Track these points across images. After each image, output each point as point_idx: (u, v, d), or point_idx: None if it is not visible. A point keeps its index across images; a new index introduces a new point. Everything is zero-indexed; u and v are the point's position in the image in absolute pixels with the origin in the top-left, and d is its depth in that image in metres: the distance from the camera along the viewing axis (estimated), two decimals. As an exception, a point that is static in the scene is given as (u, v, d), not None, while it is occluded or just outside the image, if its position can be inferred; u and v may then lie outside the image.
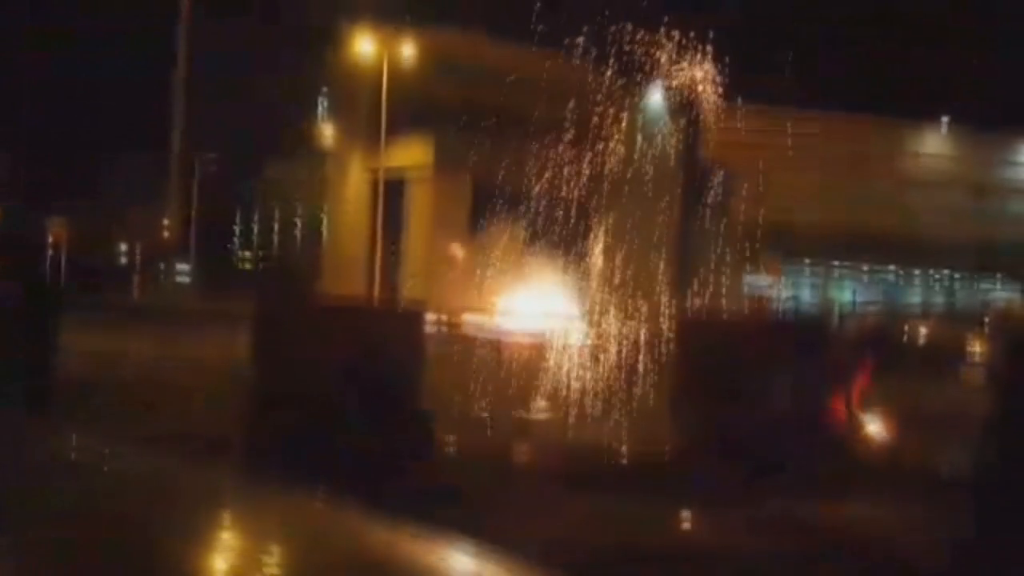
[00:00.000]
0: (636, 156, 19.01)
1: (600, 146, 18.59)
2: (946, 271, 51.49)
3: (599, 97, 18.53)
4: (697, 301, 18.44)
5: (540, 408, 15.41)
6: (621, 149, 18.66)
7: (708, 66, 19.55)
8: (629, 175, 18.71)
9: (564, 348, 16.62)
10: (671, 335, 15.05)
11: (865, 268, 50.14)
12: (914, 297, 50.98)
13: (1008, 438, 9.02)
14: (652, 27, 19.02)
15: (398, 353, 11.22)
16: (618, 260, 17.81)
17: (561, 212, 19.01)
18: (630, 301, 17.15)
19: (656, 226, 19.28)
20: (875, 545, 9.42)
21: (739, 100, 21.13)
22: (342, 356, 10.76)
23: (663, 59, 19.30)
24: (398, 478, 9.81)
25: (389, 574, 4.42)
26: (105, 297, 37.98)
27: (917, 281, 52.10)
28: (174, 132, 54.75)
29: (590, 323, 17.32)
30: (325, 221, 51.79)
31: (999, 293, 50.37)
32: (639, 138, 19.39)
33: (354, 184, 47.59)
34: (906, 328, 30.99)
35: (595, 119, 18.62)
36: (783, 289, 44.20)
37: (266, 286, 45.27)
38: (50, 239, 47.79)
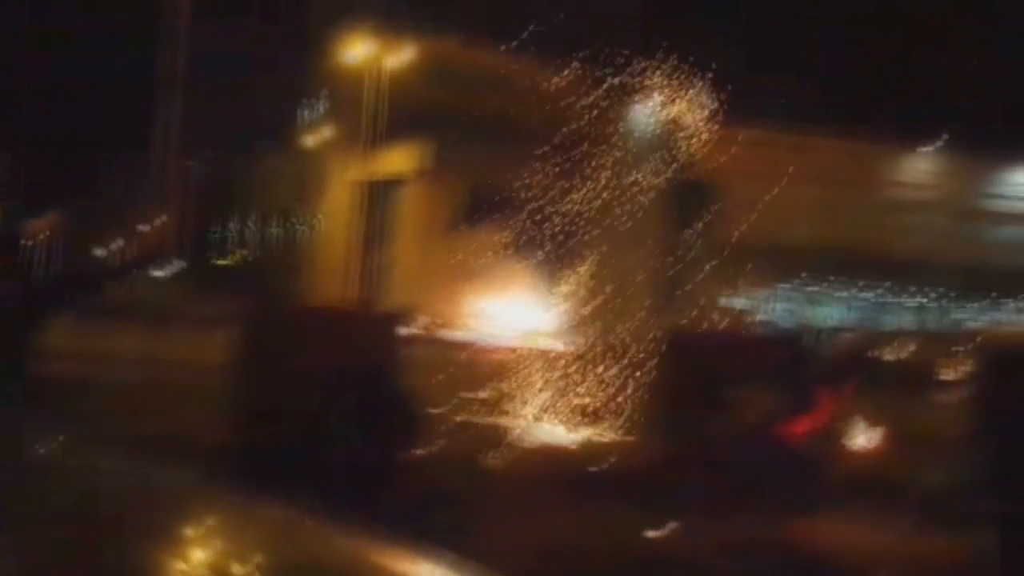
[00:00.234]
0: (622, 170, 19.11)
1: (589, 160, 18.70)
2: (933, 292, 51.64)
3: (583, 108, 18.65)
4: (677, 317, 18.57)
5: (520, 416, 15.50)
6: (608, 163, 18.78)
7: (697, 82, 19.66)
8: (616, 189, 18.81)
9: (547, 357, 16.71)
10: (653, 349, 15.17)
11: (848, 288, 50.25)
12: (899, 317, 51.08)
13: (988, 452, 9.15)
14: (644, 42, 19.15)
15: (379, 357, 11.28)
16: (599, 273, 17.92)
17: (547, 222, 19.10)
18: (610, 315, 17.28)
19: (640, 239, 19.39)
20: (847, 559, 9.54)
21: (726, 116, 21.23)
22: (323, 360, 10.81)
23: (653, 73, 19.41)
24: (378, 484, 9.89)
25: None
26: (104, 297, 37.73)
27: (903, 300, 52.25)
28: (169, 132, 54.75)
29: (573, 332, 17.43)
30: (312, 224, 51.76)
31: (984, 314, 50.53)
32: (626, 152, 19.50)
33: (341, 188, 47.61)
34: (888, 347, 31.09)
35: (581, 131, 18.73)
36: (766, 306, 44.25)
37: (252, 288, 45.21)
38: (49, 239, 47.71)
